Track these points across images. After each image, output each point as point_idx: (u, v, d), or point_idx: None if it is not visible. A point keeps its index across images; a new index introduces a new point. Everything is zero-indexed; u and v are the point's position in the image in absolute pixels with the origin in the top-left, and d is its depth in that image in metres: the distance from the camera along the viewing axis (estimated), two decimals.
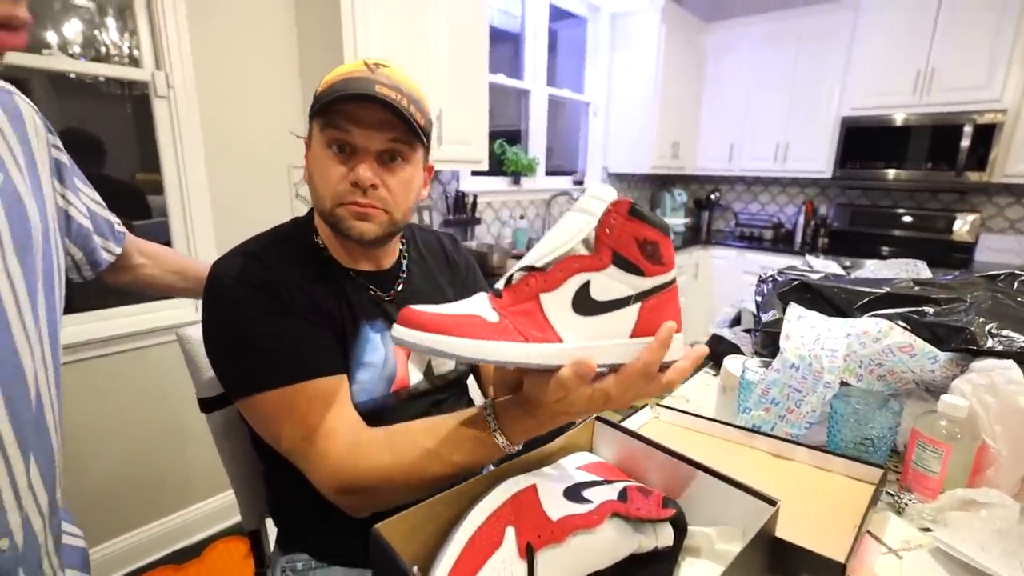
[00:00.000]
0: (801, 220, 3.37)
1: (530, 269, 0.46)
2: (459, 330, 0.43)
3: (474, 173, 2.57)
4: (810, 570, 0.54)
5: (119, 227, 0.72)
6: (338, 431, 0.58)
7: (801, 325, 0.78)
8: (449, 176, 2.43)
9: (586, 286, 0.45)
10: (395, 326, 0.43)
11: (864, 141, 2.92)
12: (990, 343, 0.66)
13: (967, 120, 2.60)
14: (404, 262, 0.77)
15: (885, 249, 3.04)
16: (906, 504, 0.65)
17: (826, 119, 3.04)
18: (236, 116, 1.63)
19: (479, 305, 0.46)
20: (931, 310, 0.75)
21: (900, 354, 0.70)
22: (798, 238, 3.37)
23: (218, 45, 1.56)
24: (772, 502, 0.51)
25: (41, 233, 0.49)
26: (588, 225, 0.45)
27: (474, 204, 2.43)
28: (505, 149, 2.76)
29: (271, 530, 0.89)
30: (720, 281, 3.32)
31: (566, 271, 0.45)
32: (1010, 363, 0.62)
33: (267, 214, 1.75)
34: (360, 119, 0.60)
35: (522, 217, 2.83)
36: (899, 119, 2.79)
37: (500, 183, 2.76)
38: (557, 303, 0.45)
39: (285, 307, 0.61)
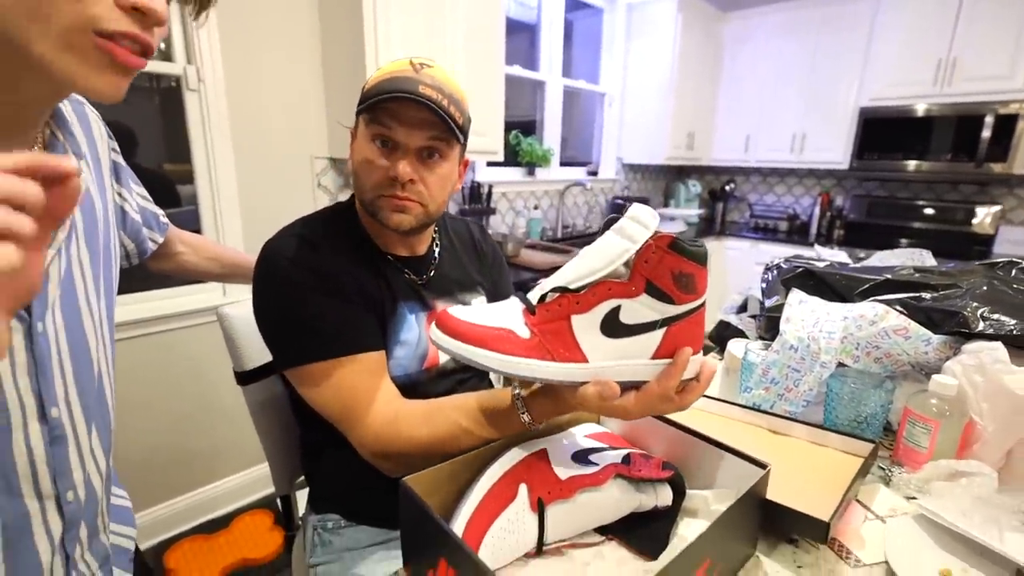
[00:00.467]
0: (817, 211, 3.36)
1: (564, 290, 0.49)
2: (493, 344, 0.47)
3: (489, 164, 2.61)
4: (799, 531, 0.58)
5: (163, 218, 0.78)
6: (379, 401, 0.64)
7: (802, 309, 0.82)
8: (464, 177, 2.47)
9: (616, 310, 0.47)
10: (434, 329, 0.48)
11: (882, 132, 2.90)
12: (981, 326, 0.70)
13: (988, 110, 2.57)
14: (436, 249, 0.83)
15: (904, 241, 3.03)
16: (893, 475, 0.69)
17: (844, 110, 3.01)
18: (262, 108, 1.70)
19: (512, 317, 0.50)
20: (928, 295, 0.78)
21: (895, 336, 0.74)
22: (813, 229, 3.36)
23: (245, 40, 1.62)
24: (763, 465, 0.56)
25: (103, 223, 0.55)
26: (627, 252, 0.46)
27: (489, 194, 2.47)
28: (520, 140, 2.80)
29: (299, 499, 0.97)
30: (734, 272, 3.32)
31: (599, 295, 0.48)
32: (997, 344, 0.65)
33: (290, 202, 1.82)
34: (403, 117, 0.65)
35: (536, 207, 2.87)
36: (919, 109, 2.76)
37: (515, 174, 2.80)
38: (586, 324, 0.48)
39: (333, 288, 0.67)
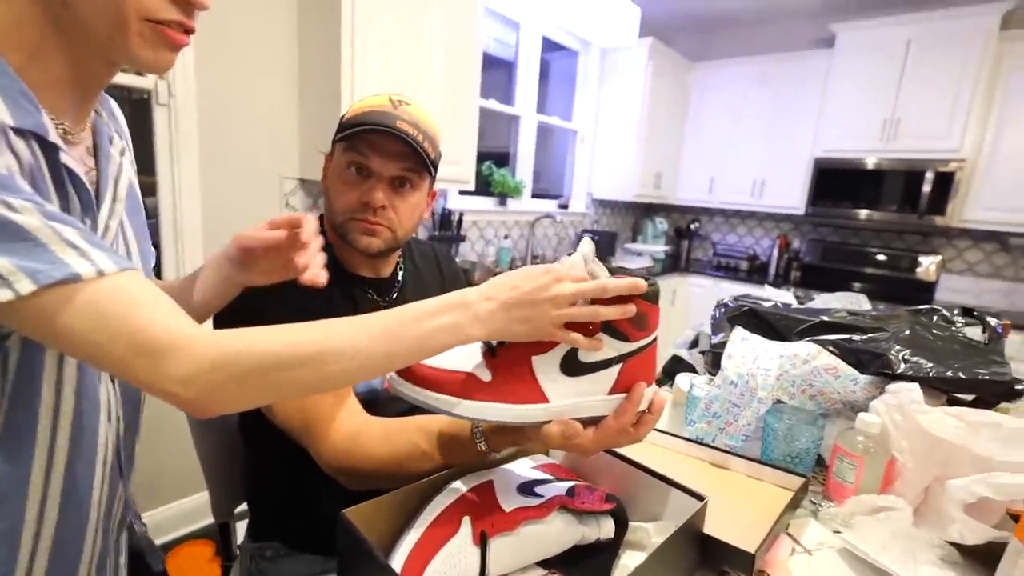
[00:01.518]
0: (775, 253, 3.51)
1: None
2: (454, 389, 0.48)
3: (461, 192, 2.65)
4: (730, 563, 0.60)
5: None
6: (342, 416, 0.65)
7: (743, 347, 0.86)
8: (431, 206, 2.50)
9: (574, 350, 0.49)
10: (392, 375, 0.49)
11: (835, 181, 3.08)
12: (902, 368, 0.75)
13: (929, 167, 2.76)
14: (400, 272, 0.85)
15: (857, 285, 3.18)
16: (821, 508, 0.72)
17: (800, 158, 3.20)
18: (233, 126, 1.70)
19: (472, 361, 0.51)
20: (858, 337, 0.84)
21: (826, 375, 0.78)
22: (772, 270, 3.50)
23: (221, 58, 1.63)
24: (700, 498, 0.58)
25: (139, 202, 0.59)
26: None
27: (459, 222, 2.50)
28: (493, 171, 2.86)
29: (238, 529, 0.93)
30: (696, 308, 3.42)
31: (564, 336, 0.49)
32: (914, 385, 0.70)
33: (257, 220, 1.80)
34: (379, 148, 0.70)
35: (506, 237, 2.91)
36: (868, 162, 2.95)
37: (486, 203, 2.85)
38: (547, 364, 0.49)
39: (304, 301, 0.68)
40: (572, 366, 0.49)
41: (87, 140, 0.50)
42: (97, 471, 0.51)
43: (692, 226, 3.85)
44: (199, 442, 0.88)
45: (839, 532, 0.66)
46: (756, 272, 3.56)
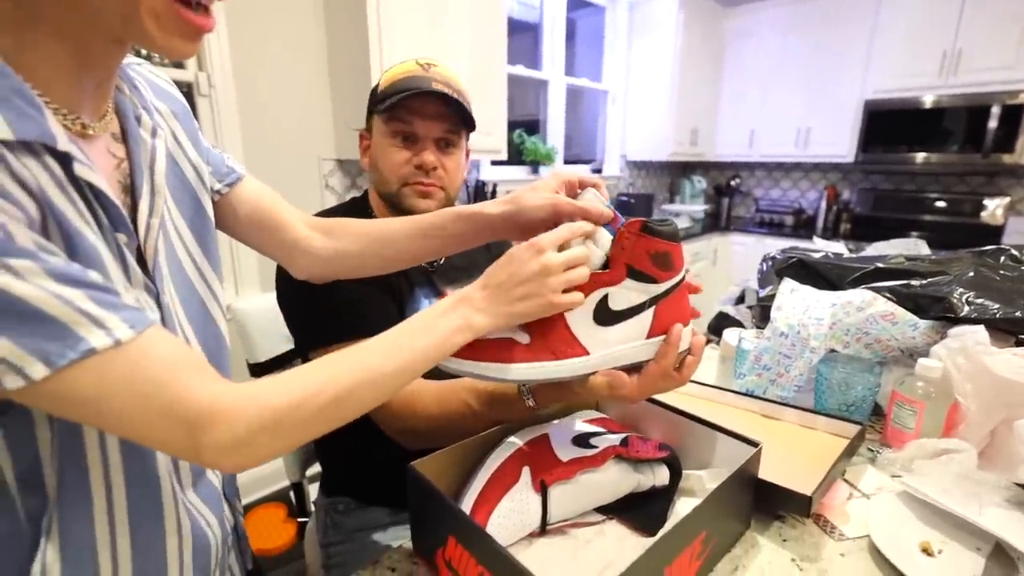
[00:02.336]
0: (823, 206, 3.35)
1: None
2: (496, 355, 0.49)
3: (493, 163, 2.64)
4: (785, 507, 0.61)
5: (230, 162, 0.63)
6: None
7: (793, 297, 0.85)
8: (469, 165, 2.50)
9: (605, 299, 0.50)
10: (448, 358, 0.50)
11: (887, 125, 2.89)
12: (966, 310, 0.72)
13: (995, 101, 2.55)
14: None
15: (914, 234, 3.01)
16: (879, 455, 0.71)
17: (848, 103, 3.01)
18: (270, 112, 1.75)
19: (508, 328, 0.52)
20: (917, 282, 0.81)
21: (883, 322, 0.76)
22: (819, 224, 3.35)
23: (254, 46, 1.67)
24: (754, 444, 0.59)
25: (192, 178, 0.52)
26: (602, 250, 0.50)
27: (494, 192, 2.51)
28: (524, 139, 2.83)
29: (311, 491, 1.01)
30: (739, 267, 3.33)
31: (586, 288, 0.50)
32: (979, 327, 0.67)
33: (299, 203, 1.83)
34: (421, 111, 0.73)
35: None
36: (924, 101, 2.75)
37: (519, 172, 2.83)
38: (580, 317, 0.50)
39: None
40: (605, 315, 0.50)
41: (112, 125, 0.44)
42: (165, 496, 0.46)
43: (732, 182, 3.72)
44: None
45: (898, 476, 0.66)
46: (803, 227, 3.42)
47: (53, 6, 0.35)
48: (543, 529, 0.55)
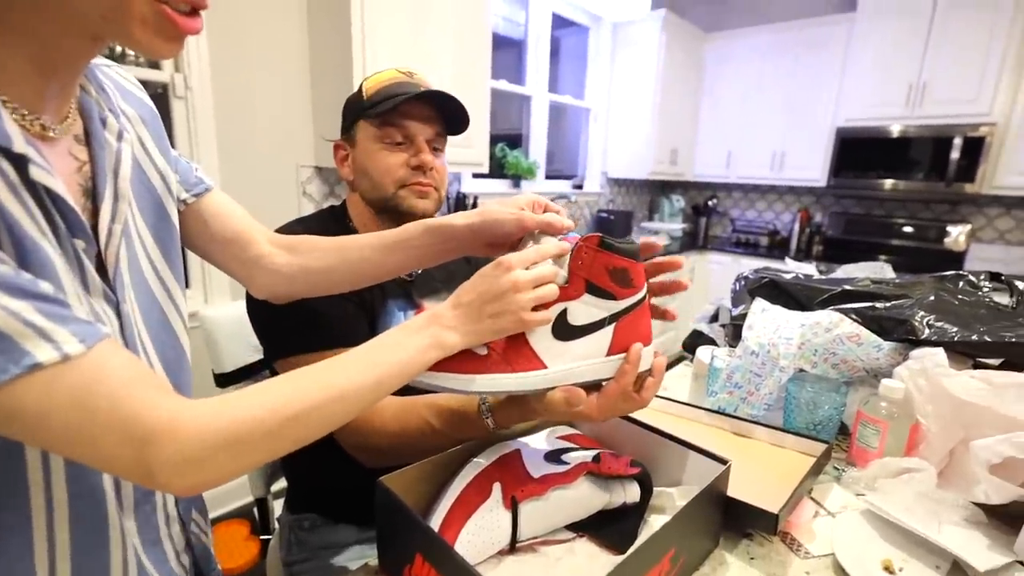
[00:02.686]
0: (796, 227, 3.46)
1: None
2: (451, 366, 0.49)
3: (475, 175, 2.66)
4: (753, 524, 0.62)
5: (199, 172, 0.62)
6: None
7: (764, 317, 0.87)
8: (451, 177, 2.52)
9: (564, 313, 0.50)
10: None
11: (858, 151, 3.01)
12: (926, 333, 0.75)
13: (958, 132, 2.68)
14: None
15: (882, 257, 3.12)
16: (843, 473, 0.73)
17: (821, 129, 3.12)
18: (249, 117, 1.73)
19: None
20: (881, 305, 0.84)
21: (849, 343, 0.79)
22: (793, 245, 3.45)
23: (234, 49, 1.65)
24: (724, 461, 0.60)
25: (157, 185, 0.51)
26: (561, 268, 0.51)
27: (475, 204, 2.52)
28: (506, 153, 2.86)
29: (275, 508, 0.98)
30: (715, 285, 3.40)
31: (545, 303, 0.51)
32: (938, 350, 0.70)
33: (275, 210, 1.84)
34: (414, 114, 0.75)
35: None
36: (892, 130, 2.87)
37: (500, 185, 2.85)
38: (539, 332, 0.50)
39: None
40: (564, 330, 0.50)
41: (75, 127, 0.43)
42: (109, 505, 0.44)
43: (710, 202, 3.81)
44: None
45: (862, 495, 0.67)
46: (777, 247, 3.52)
47: (16, 8, 0.34)
48: (513, 547, 0.55)
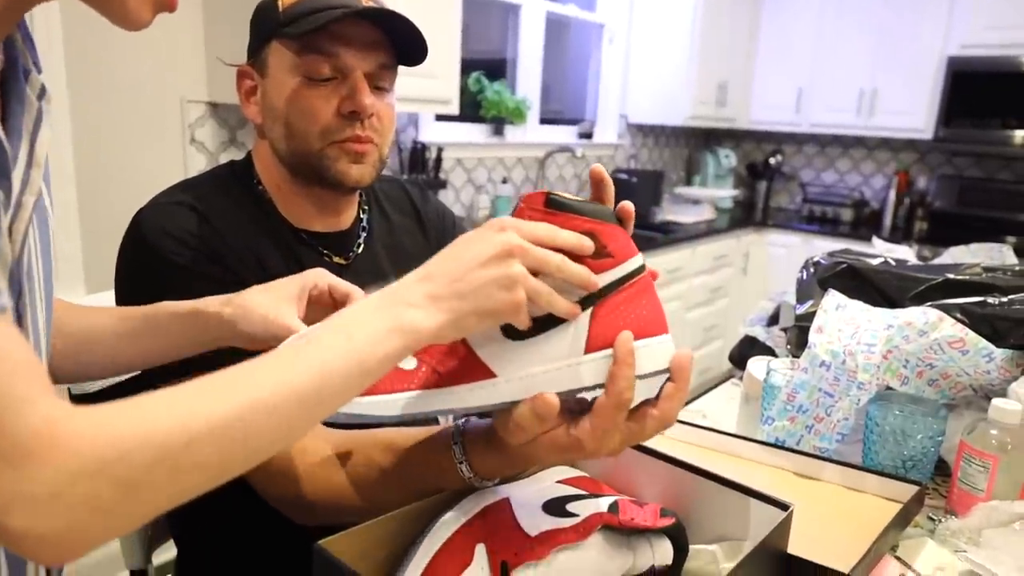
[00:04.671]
0: (892, 196, 3.55)
1: None
2: (382, 387, 0.51)
3: (439, 118, 2.68)
4: None
5: None
6: None
7: (839, 316, 0.92)
8: (405, 121, 2.54)
9: None
10: None
11: (978, 90, 3.09)
12: None
13: None
14: (364, 218, 0.91)
15: (1011, 239, 3.21)
16: (939, 522, 0.78)
17: (927, 58, 3.21)
18: (110, 34, 1.72)
19: None
20: (995, 300, 0.89)
21: (951, 350, 0.84)
22: (886, 221, 3.55)
23: None
24: (784, 507, 0.64)
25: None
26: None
27: (438, 161, 2.54)
28: (484, 86, 2.88)
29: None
30: (778, 277, 3.48)
31: None
32: None
33: (150, 164, 1.84)
34: (350, 37, 0.74)
35: (505, 181, 2.95)
36: None
37: (475, 132, 2.88)
38: (480, 332, 0.52)
39: (230, 274, 0.73)
40: (513, 326, 0.52)
41: None
42: None
43: (772, 160, 3.88)
44: None
45: (963, 552, 0.73)
46: (864, 224, 3.61)
47: None
48: None
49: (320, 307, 0.66)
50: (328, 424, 0.49)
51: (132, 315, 0.69)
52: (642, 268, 0.54)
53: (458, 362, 0.53)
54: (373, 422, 0.52)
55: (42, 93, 0.52)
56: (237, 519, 0.79)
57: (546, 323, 0.52)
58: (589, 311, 0.52)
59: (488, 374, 0.53)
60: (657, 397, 0.54)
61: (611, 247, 0.52)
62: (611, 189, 0.55)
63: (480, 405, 0.53)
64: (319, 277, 0.66)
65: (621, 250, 0.52)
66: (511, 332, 0.52)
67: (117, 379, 0.93)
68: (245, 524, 0.79)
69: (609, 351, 0.52)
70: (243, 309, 0.63)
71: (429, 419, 0.88)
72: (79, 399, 0.93)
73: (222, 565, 0.85)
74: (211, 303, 0.65)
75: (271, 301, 0.64)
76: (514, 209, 0.53)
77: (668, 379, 0.54)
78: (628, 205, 0.54)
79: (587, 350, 0.53)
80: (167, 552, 0.96)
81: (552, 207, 0.51)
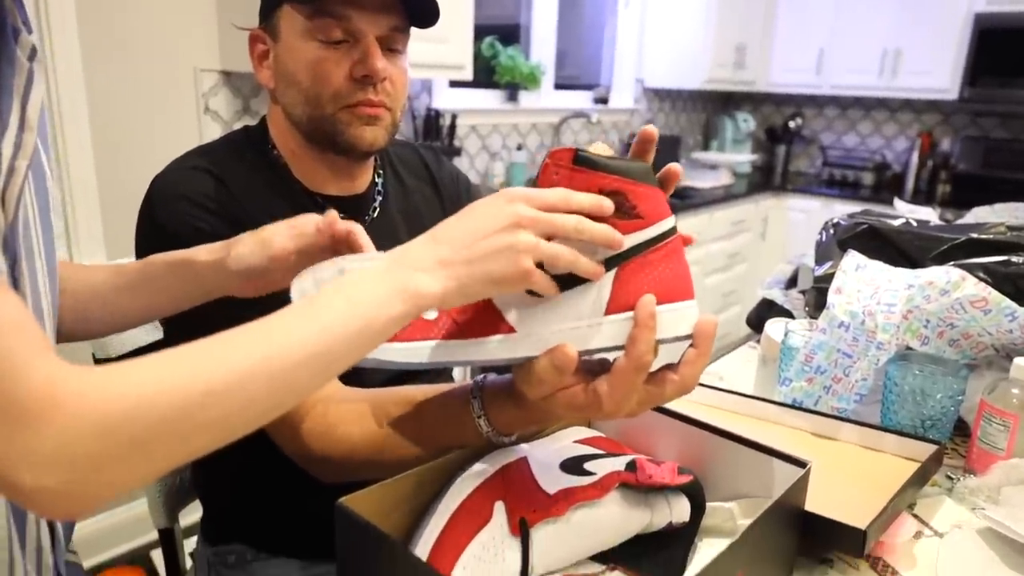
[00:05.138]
0: (915, 159, 3.49)
1: None
2: (402, 334, 0.51)
3: (453, 84, 2.66)
4: (835, 546, 0.67)
5: None
6: None
7: (859, 277, 0.91)
8: (418, 87, 2.53)
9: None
10: None
11: (1005, 48, 3.02)
12: None
13: None
14: (379, 182, 0.91)
15: None
16: (957, 481, 0.78)
17: (952, 16, 3.13)
18: (121, 2, 1.72)
19: None
20: (1019, 259, 0.88)
21: (973, 310, 0.83)
22: (908, 184, 3.49)
23: None
24: (801, 464, 0.64)
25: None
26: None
27: (452, 127, 2.53)
28: (497, 51, 2.85)
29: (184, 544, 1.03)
30: (796, 241, 3.44)
31: None
32: None
33: (165, 133, 1.85)
34: (361, 2, 0.74)
35: (520, 148, 2.93)
36: None
37: (490, 99, 2.86)
38: None
39: None
40: None
41: None
42: None
43: (792, 123, 3.83)
44: None
45: (980, 509, 0.73)
46: (886, 188, 3.56)
47: None
48: None
49: (319, 251, 0.64)
50: (356, 369, 0.50)
51: (128, 269, 0.70)
52: (672, 231, 0.53)
53: (479, 315, 0.54)
54: (399, 368, 0.53)
55: (33, 54, 0.51)
56: (260, 477, 0.81)
57: (568, 282, 0.52)
58: (613, 272, 0.52)
59: (508, 329, 0.53)
60: (678, 362, 0.54)
61: (641, 207, 0.51)
62: (676, 177, 0.54)
63: (501, 358, 0.53)
64: (318, 217, 0.64)
65: (652, 211, 0.52)
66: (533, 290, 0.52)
67: (137, 344, 0.95)
68: (268, 482, 0.81)
69: (630, 313, 0.52)
70: (235, 245, 0.64)
71: (447, 369, 0.89)
72: (102, 363, 0.95)
73: (246, 523, 0.87)
74: (201, 250, 0.66)
75: (262, 232, 0.65)
76: (541, 166, 0.52)
77: (690, 345, 0.54)
78: (675, 167, 0.53)
79: (608, 311, 0.53)
80: (195, 513, 0.99)
81: (580, 164, 0.51)
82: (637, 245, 0.52)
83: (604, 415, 0.55)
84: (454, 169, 1.05)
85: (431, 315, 0.54)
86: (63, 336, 0.69)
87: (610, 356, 0.55)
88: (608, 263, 0.52)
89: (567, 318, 0.53)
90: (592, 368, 0.55)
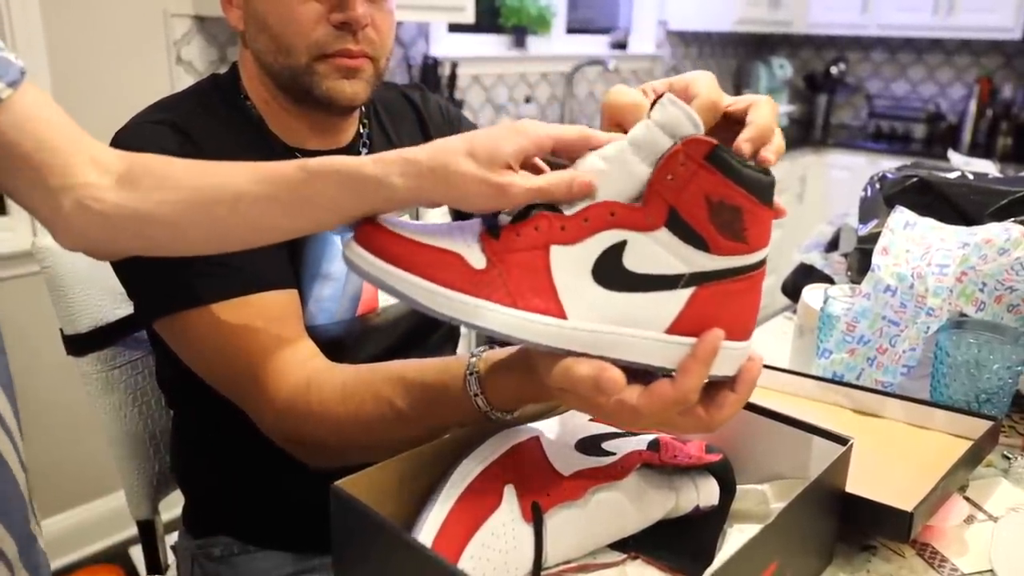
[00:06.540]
0: (972, 108, 3.44)
1: (548, 208, 0.51)
2: (426, 268, 0.49)
3: (452, 28, 2.64)
4: (879, 530, 0.68)
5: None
6: (287, 360, 0.71)
7: (907, 235, 0.91)
8: (414, 32, 2.50)
9: (619, 248, 0.50)
10: (349, 241, 0.52)
11: None
12: None
13: None
14: (364, 133, 0.91)
15: None
16: (1015, 460, 0.79)
17: None
18: None
19: (466, 239, 0.52)
20: None
21: None
22: (964, 137, 3.45)
23: None
24: (842, 441, 0.64)
25: None
26: (653, 154, 0.49)
27: (452, 78, 2.51)
28: None
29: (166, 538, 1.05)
30: (837, 201, 3.42)
31: (596, 222, 0.49)
32: None
33: (132, 85, 1.85)
34: None
35: (528, 100, 2.91)
36: None
37: (494, 44, 2.84)
38: (571, 263, 0.50)
39: None
40: (611, 273, 0.50)
41: None
42: None
43: (834, 70, 3.78)
44: (103, 411, 0.98)
45: None
46: (939, 141, 3.52)
47: None
48: (536, 574, 0.59)
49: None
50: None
51: (276, 176, 0.57)
52: (762, 263, 0.52)
53: (532, 282, 0.51)
54: (395, 295, 0.51)
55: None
56: (243, 462, 0.82)
57: (643, 282, 0.50)
58: (692, 290, 0.50)
59: (557, 310, 0.51)
60: (713, 398, 0.52)
61: (750, 232, 0.50)
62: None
63: (529, 339, 0.51)
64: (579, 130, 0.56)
65: (758, 238, 0.50)
66: (602, 276, 0.50)
67: (106, 321, 0.96)
68: (252, 468, 0.82)
69: (691, 340, 0.50)
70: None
71: (451, 338, 0.89)
72: (71, 340, 0.96)
73: (231, 513, 0.88)
74: (393, 174, 0.53)
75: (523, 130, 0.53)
76: (668, 150, 0.48)
77: (731, 387, 0.52)
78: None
79: (672, 329, 0.51)
80: (175, 507, 1.00)
81: (711, 160, 0.48)
82: (731, 269, 0.50)
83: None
84: (441, 100, 1.04)
85: (479, 263, 0.51)
86: (168, 246, 0.63)
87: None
88: (690, 279, 0.50)
89: (624, 321, 0.51)
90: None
